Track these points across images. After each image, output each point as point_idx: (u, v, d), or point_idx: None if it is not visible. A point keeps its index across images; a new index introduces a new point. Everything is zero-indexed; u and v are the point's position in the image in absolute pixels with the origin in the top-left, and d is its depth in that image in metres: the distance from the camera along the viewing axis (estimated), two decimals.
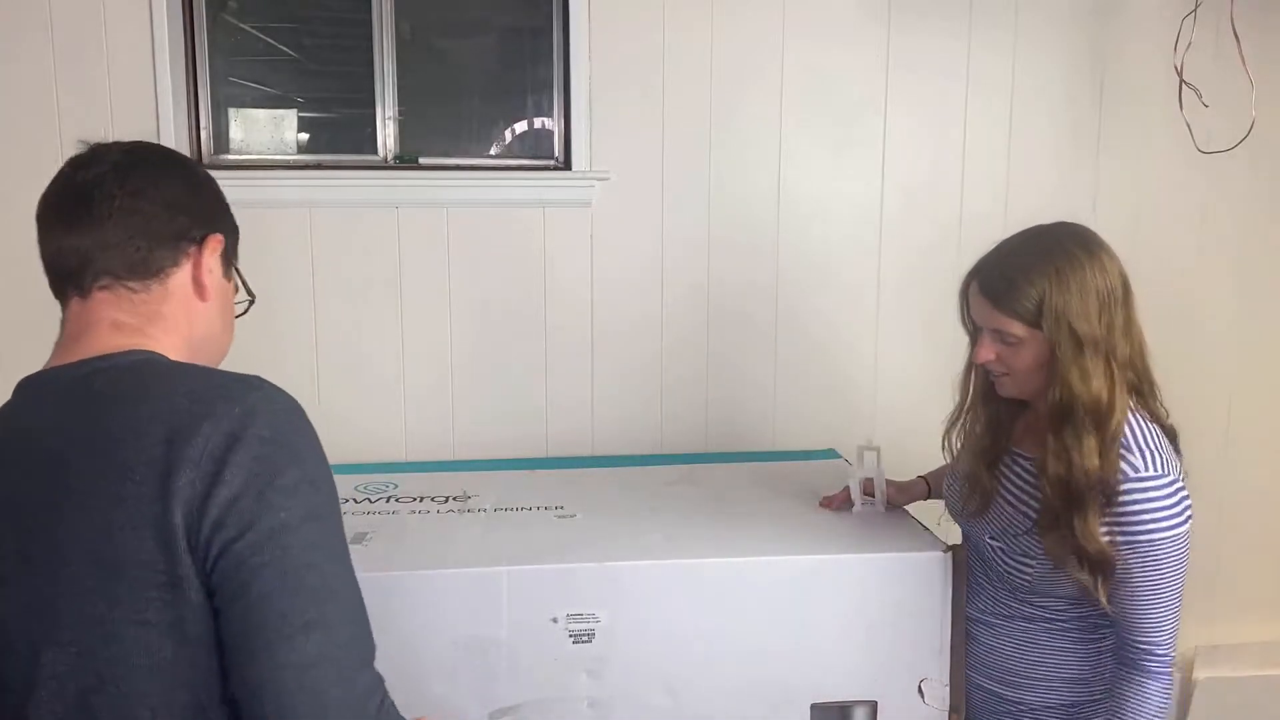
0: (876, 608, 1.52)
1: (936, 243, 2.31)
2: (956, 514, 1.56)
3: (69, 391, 0.88)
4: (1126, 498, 1.29)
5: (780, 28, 2.26)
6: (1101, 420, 1.30)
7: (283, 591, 0.79)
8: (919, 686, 1.53)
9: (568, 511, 1.75)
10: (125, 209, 0.91)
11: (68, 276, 0.92)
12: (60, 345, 0.93)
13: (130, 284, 0.92)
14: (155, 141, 1.06)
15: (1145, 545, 1.29)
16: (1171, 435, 1.40)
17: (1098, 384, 1.30)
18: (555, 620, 1.46)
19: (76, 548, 0.80)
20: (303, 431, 0.86)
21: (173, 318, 0.94)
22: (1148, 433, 1.33)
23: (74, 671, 0.81)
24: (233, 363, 2.30)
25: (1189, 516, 1.31)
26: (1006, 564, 1.43)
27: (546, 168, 2.34)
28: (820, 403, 2.36)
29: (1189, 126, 2.13)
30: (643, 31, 2.24)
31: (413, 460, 2.24)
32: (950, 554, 1.52)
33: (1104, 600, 1.33)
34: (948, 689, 1.53)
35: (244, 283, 1.06)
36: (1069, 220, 1.40)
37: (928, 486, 1.72)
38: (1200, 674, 2.51)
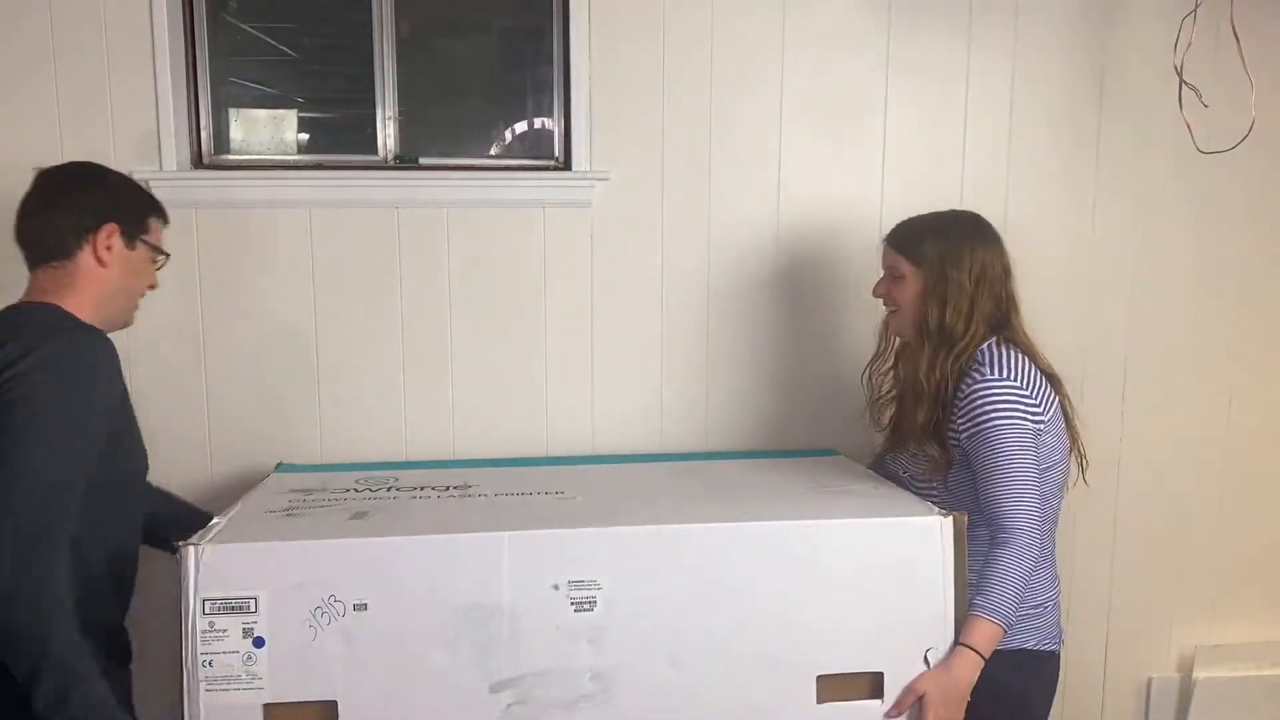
0: (878, 574, 1.54)
1: None
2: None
3: None
4: (973, 395, 1.64)
5: (780, 27, 2.27)
6: (949, 342, 1.68)
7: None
8: (924, 656, 1.54)
9: (569, 495, 1.76)
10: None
11: None
12: None
13: None
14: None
15: (985, 432, 1.62)
16: (1052, 379, 1.72)
17: (951, 316, 1.68)
18: (557, 587, 1.46)
19: None
20: None
21: None
22: (1008, 357, 1.66)
23: None
24: (233, 362, 2.28)
25: (1033, 418, 1.62)
26: (909, 471, 1.80)
27: (546, 168, 2.34)
28: (821, 403, 2.36)
29: (1189, 126, 2.13)
30: (643, 31, 2.24)
31: (412, 460, 2.23)
32: (951, 519, 1.55)
33: (943, 481, 1.69)
34: None
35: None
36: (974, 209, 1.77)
37: None
38: (1200, 674, 2.51)
